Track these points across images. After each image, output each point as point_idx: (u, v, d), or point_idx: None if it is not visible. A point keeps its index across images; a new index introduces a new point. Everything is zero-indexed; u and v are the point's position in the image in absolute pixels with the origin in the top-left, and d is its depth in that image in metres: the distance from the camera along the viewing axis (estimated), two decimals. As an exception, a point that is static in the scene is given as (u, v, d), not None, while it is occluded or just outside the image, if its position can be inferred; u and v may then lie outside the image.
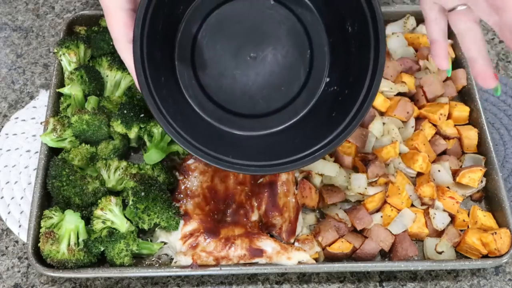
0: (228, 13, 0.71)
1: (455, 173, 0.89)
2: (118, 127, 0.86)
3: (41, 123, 0.95)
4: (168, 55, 0.71)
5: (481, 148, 0.92)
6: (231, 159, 0.65)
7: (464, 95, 0.99)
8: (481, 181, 0.89)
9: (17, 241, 0.87)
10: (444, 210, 0.86)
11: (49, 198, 0.86)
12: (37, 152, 0.93)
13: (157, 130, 0.86)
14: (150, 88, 0.63)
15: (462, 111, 0.95)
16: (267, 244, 0.81)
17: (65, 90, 0.90)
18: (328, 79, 0.72)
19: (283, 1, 0.71)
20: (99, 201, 0.81)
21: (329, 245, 0.82)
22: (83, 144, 0.87)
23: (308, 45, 0.72)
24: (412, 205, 0.87)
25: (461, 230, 0.86)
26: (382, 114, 0.94)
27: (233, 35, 0.72)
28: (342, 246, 0.82)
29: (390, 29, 1.04)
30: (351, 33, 0.69)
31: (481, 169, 0.88)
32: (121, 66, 0.92)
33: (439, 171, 0.88)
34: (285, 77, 0.72)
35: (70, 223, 0.79)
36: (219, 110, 0.72)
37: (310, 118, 0.72)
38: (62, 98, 0.93)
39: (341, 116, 0.66)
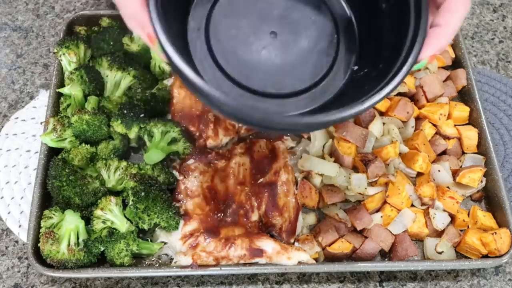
0: None
1: (455, 173, 0.89)
2: (118, 127, 0.86)
3: (41, 123, 0.95)
4: (178, 22, 0.63)
5: (481, 148, 0.92)
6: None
7: (464, 95, 0.99)
8: (481, 181, 0.89)
9: (17, 241, 0.87)
10: (444, 210, 0.86)
11: (49, 198, 0.86)
12: (37, 152, 0.93)
13: (157, 130, 0.86)
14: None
15: (462, 111, 0.95)
16: (267, 244, 0.81)
17: (65, 90, 0.90)
18: (356, 67, 0.66)
19: None
20: (99, 201, 0.81)
21: (329, 245, 0.82)
22: (83, 144, 0.87)
23: (335, 30, 0.66)
24: (412, 205, 0.87)
25: (461, 230, 0.86)
26: (382, 114, 0.94)
27: (256, 9, 0.66)
28: (342, 246, 0.82)
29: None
30: (385, 10, 0.63)
31: (481, 169, 0.88)
32: (121, 66, 0.92)
33: (439, 171, 0.88)
34: (308, 59, 0.65)
35: (70, 223, 0.79)
36: (235, 87, 0.64)
37: (338, 99, 0.65)
38: (62, 98, 0.92)
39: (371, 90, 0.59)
